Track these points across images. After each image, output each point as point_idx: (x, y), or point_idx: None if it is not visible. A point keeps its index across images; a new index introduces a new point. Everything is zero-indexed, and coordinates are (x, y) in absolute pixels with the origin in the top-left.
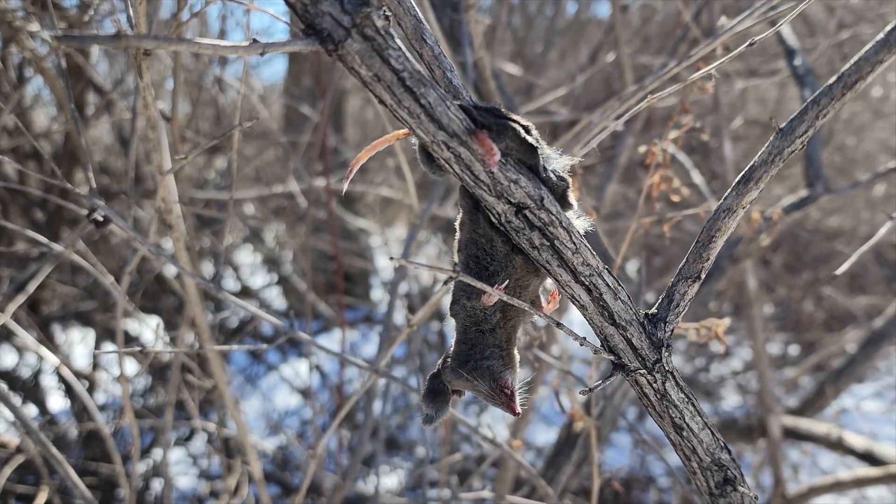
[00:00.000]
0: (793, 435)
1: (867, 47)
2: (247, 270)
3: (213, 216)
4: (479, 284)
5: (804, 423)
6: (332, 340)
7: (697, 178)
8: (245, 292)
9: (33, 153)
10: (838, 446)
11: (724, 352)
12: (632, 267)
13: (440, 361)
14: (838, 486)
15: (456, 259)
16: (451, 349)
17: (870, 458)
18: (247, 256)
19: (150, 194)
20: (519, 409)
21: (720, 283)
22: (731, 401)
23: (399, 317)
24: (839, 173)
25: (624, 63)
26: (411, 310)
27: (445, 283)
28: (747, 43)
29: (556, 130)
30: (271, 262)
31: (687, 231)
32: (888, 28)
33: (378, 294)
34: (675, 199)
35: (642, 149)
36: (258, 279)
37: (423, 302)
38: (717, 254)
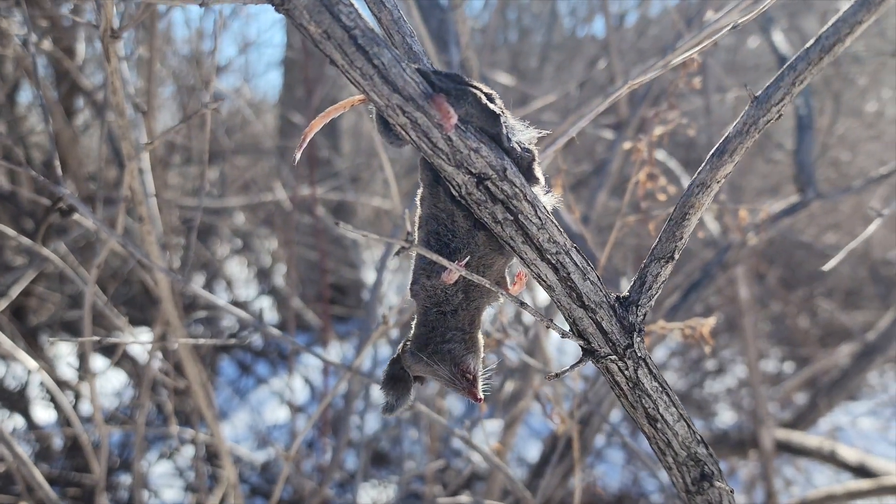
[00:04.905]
0: (785, 448)
1: (846, 8)
2: (238, 283)
3: (203, 226)
4: (437, 258)
5: (797, 437)
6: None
7: (687, 182)
8: (235, 304)
9: (25, 161)
10: (831, 459)
11: (718, 368)
12: (625, 285)
13: (400, 346)
14: (830, 499)
15: (416, 236)
16: (412, 333)
17: (863, 472)
18: (238, 269)
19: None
20: (481, 395)
21: (709, 289)
22: (724, 417)
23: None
24: (834, 190)
25: (616, 70)
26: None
27: (397, 253)
28: (730, 25)
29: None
30: (262, 275)
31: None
32: None
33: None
34: (662, 197)
35: (627, 145)
36: (251, 292)
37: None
38: (691, 233)
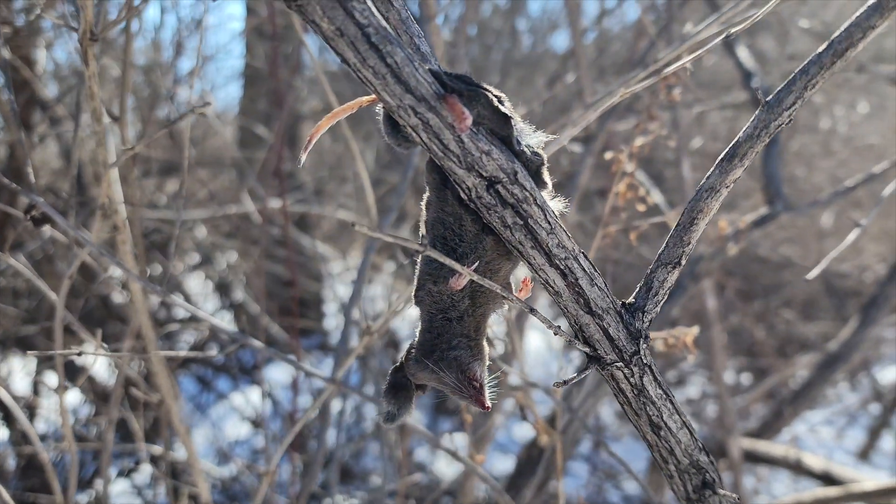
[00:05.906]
0: (751, 458)
1: (859, 12)
2: (198, 298)
3: (164, 239)
4: (448, 261)
5: (762, 446)
6: (284, 370)
7: (658, 197)
8: (195, 320)
9: None
10: (797, 467)
11: (678, 379)
12: None
13: (404, 353)
14: None
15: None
16: (416, 339)
17: (828, 479)
18: (198, 285)
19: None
20: (489, 403)
21: (681, 301)
22: None
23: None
24: (802, 202)
25: (585, 83)
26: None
27: (412, 256)
28: (724, 34)
29: None
30: (223, 289)
31: (646, 258)
32: None
33: (332, 322)
34: (642, 208)
35: (609, 155)
36: (210, 306)
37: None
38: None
